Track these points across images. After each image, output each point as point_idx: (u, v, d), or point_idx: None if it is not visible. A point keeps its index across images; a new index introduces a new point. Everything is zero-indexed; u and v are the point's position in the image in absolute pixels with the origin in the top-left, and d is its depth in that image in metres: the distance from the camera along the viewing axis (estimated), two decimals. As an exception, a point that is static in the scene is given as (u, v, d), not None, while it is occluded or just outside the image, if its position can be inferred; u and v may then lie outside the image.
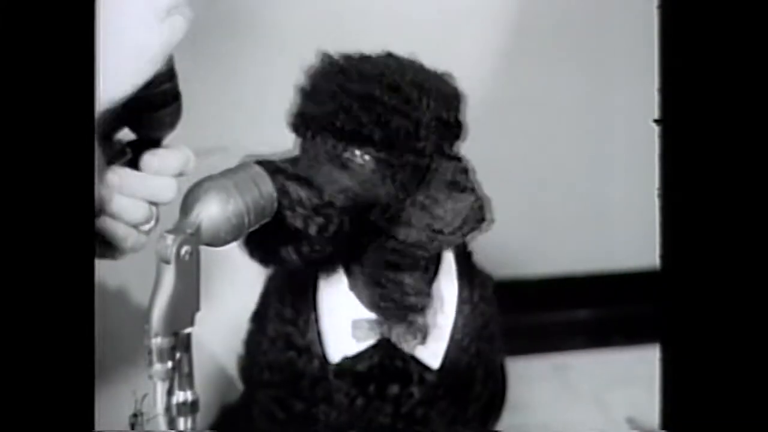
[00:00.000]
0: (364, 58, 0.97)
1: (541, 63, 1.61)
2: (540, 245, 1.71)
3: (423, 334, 1.03)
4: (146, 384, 0.78)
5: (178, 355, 0.78)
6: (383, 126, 0.93)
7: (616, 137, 1.63)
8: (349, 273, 1.03)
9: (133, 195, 0.84)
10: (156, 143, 0.86)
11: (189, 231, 0.79)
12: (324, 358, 1.04)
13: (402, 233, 0.96)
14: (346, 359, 1.04)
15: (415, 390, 1.05)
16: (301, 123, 0.95)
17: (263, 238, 0.89)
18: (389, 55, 0.99)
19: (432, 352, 1.04)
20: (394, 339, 1.02)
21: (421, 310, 1.01)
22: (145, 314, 0.78)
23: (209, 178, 0.83)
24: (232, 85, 1.42)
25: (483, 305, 1.08)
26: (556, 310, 1.75)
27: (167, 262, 0.77)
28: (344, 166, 0.93)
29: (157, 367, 0.77)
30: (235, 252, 0.89)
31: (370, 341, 1.03)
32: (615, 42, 1.60)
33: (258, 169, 0.86)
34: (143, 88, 0.80)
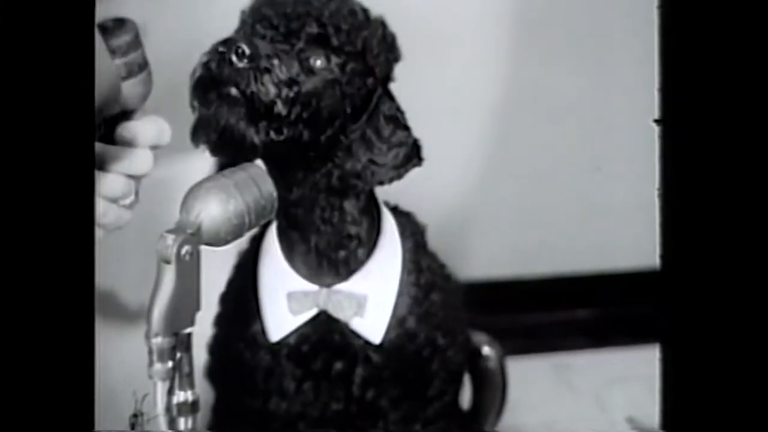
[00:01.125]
0: None
1: (541, 63, 1.61)
2: (540, 245, 1.71)
3: (359, 304, 1.05)
4: (146, 384, 0.78)
5: (178, 355, 0.78)
6: (346, 34, 1.00)
7: (616, 137, 1.63)
8: (283, 244, 1.06)
9: (109, 169, 0.83)
10: (129, 115, 0.86)
11: (189, 231, 0.79)
12: (268, 342, 1.07)
13: (346, 162, 1.02)
14: (288, 336, 1.06)
15: (360, 369, 1.07)
16: (266, 27, 0.99)
17: (226, 116, 0.95)
18: None
19: (372, 326, 1.06)
20: (330, 309, 1.05)
21: (358, 242, 1.05)
22: (146, 314, 0.78)
23: (210, 178, 0.83)
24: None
25: (435, 294, 1.10)
26: (556, 309, 1.75)
27: (168, 262, 0.77)
28: (304, 67, 0.98)
29: (158, 367, 0.77)
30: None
31: (308, 313, 1.05)
32: (615, 42, 1.60)
33: (258, 168, 0.86)
34: (110, 58, 0.80)
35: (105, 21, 0.81)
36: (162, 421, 0.78)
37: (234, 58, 0.94)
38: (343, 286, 1.06)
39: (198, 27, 1.18)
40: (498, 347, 1.28)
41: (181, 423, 0.79)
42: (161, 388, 0.78)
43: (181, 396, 0.79)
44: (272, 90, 0.95)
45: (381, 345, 1.07)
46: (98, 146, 0.83)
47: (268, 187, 0.85)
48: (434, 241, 1.20)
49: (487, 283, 1.71)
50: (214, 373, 1.13)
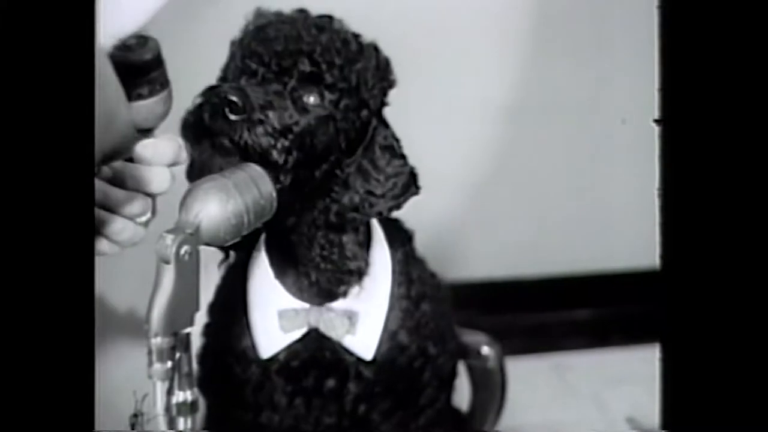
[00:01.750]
0: (301, 12, 1.01)
1: (541, 63, 1.61)
2: (540, 245, 1.72)
3: (351, 321, 1.03)
4: (146, 384, 0.78)
5: (177, 355, 0.78)
6: (339, 69, 0.97)
7: (616, 137, 1.63)
8: (274, 260, 1.05)
9: (127, 186, 0.83)
10: (147, 134, 0.85)
11: (188, 231, 0.79)
12: (258, 359, 1.05)
13: (343, 196, 1.00)
14: (279, 353, 1.05)
15: (352, 385, 1.06)
16: (258, 63, 0.97)
17: (219, 165, 0.91)
18: (320, 16, 1.02)
19: (364, 343, 1.05)
20: (322, 327, 1.03)
21: (359, 276, 1.03)
22: (145, 314, 0.78)
23: (209, 178, 0.83)
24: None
25: (425, 304, 1.09)
26: (556, 310, 1.76)
27: (167, 262, 0.77)
28: (298, 105, 0.96)
29: (157, 367, 0.77)
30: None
31: (299, 331, 1.04)
32: (615, 42, 1.60)
33: (257, 169, 0.86)
34: (132, 76, 0.80)
35: (127, 38, 0.81)
36: (162, 421, 0.78)
37: (226, 110, 0.91)
38: (334, 304, 1.04)
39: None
40: (498, 347, 1.28)
41: (181, 423, 0.79)
42: (161, 388, 0.78)
43: (180, 396, 0.79)
44: (266, 141, 0.92)
45: (373, 360, 1.05)
46: (118, 164, 0.83)
47: (267, 187, 0.85)
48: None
49: (487, 283, 1.71)
50: (204, 383, 1.11)
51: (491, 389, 1.28)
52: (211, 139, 0.92)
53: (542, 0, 1.59)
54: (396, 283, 1.07)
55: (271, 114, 0.93)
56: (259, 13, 1.02)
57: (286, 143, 0.93)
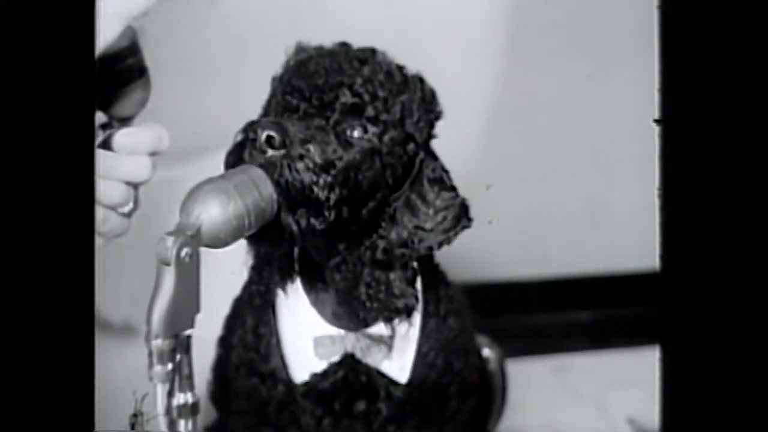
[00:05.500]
0: (343, 45, 0.99)
1: (541, 63, 1.61)
2: (540, 246, 1.71)
3: (388, 347, 1.01)
4: (147, 384, 0.78)
5: (178, 357, 0.78)
6: (383, 102, 0.95)
7: (616, 137, 1.63)
8: (311, 288, 1.02)
9: (108, 176, 0.82)
10: (127, 122, 0.86)
11: (189, 233, 0.79)
12: (289, 381, 1.03)
13: (391, 232, 0.97)
14: (312, 377, 1.02)
15: (383, 406, 1.04)
16: (299, 98, 0.95)
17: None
18: (362, 49, 0.99)
19: (399, 366, 1.03)
20: (358, 353, 1.01)
21: (408, 314, 1.00)
22: (146, 316, 0.78)
23: (209, 180, 0.83)
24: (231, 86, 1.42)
25: (451, 319, 1.07)
26: (556, 311, 1.75)
27: (167, 264, 0.77)
28: (341, 140, 0.93)
29: (158, 369, 0.77)
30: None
31: (334, 357, 1.01)
32: (615, 42, 1.60)
33: (258, 171, 0.86)
34: (108, 63, 0.79)
35: None
36: (162, 423, 0.78)
37: (265, 147, 0.88)
38: (370, 330, 1.01)
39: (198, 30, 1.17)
40: (498, 349, 1.28)
41: (182, 425, 0.79)
42: (161, 390, 0.78)
43: (181, 398, 0.79)
44: (308, 177, 0.88)
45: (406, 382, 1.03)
46: (96, 153, 0.83)
47: (268, 189, 0.85)
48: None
49: (488, 284, 1.71)
50: (218, 397, 1.10)
51: (492, 391, 1.28)
52: None
53: (542, 0, 1.59)
54: (425, 301, 1.04)
55: (312, 148, 0.89)
56: (300, 48, 1.00)
57: (329, 179, 0.90)
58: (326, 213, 0.90)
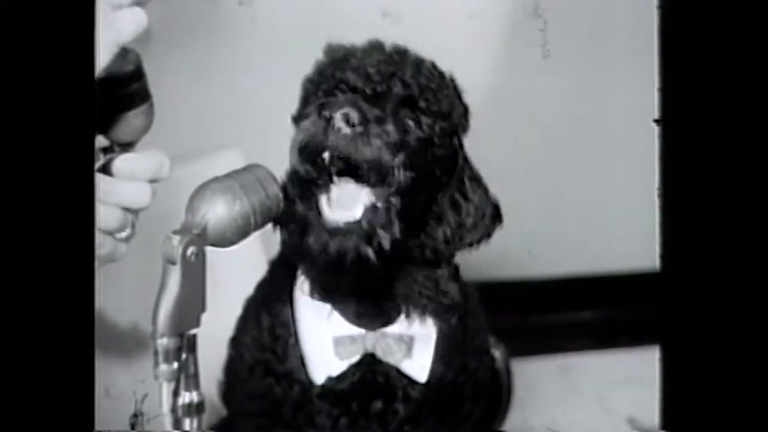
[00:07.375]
0: (377, 42, 1.00)
1: (542, 63, 1.61)
2: (540, 246, 1.71)
3: (408, 346, 1.01)
4: (147, 384, 0.78)
5: (184, 356, 0.79)
6: (433, 94, 0.96)
7: (616, 137, 1.63)
8: (326, 288, 1.01)
9: (106, 201, 0.82)
10: (128, 148, 0.85)
11: (195, 232, 0.79)
12: (308, 382, 1.03)
13: (437, 230, 0.98)
14: (329, 379, 1.02)
15: (400, 407, 1.03)
16: (348, 90, 0.94)
17: (342, 244, 0.90)
18: (396, 46, 1.00)
19: (419, 366, 1.03)
20: (379, 353, 1.01)
21: (454, 311, 1.01)
22: (151, 315, 0.78)
23: (215, 180, 0.83)
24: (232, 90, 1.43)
25: (469, 321, 1.07)
26: (560, 311, 1.75)
27: (173, 262, 0.77)
28: (399, 129, 0.92)
29: (163, 367, 0.78)
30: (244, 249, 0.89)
31: (354, 358, 1.01)
32: (615, 42, 1.60)
33: (264, 170, 0.86)
34: (111, 88, 0.79)
35: None
36: (168, 422, 0.79)
37: (341, 125, 0.87)
38: (390, 329, 1.01)
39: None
40: (503, 349, 1.28)
41: (187, 424, 0.79)
42: (167, 388, 0.78)
43: (186, 397, 0.79)
44: (386, 155, 0.89)
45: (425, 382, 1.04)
46: (96, 178, 0.82)
47: (274, 188, 0.85)
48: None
49: (492, 284, 1.71)
50: (229, 396, 1.09)
51: (497, 390, 1.28)
52: (321, 157, 0.89)
53: (542, 0, 1.59)
54: None
55: (389, 128, 0.90)
56: (332, 48, 1.00)
57: (404, 158, 0.90)
58: (393, 199, 0.90)
